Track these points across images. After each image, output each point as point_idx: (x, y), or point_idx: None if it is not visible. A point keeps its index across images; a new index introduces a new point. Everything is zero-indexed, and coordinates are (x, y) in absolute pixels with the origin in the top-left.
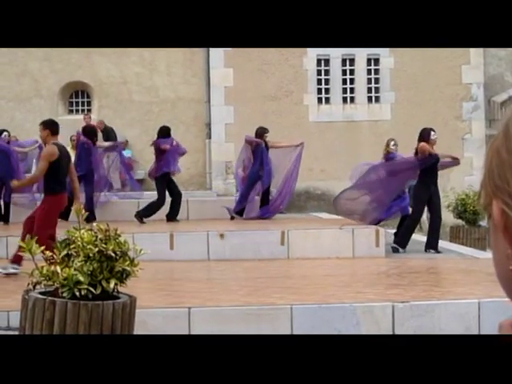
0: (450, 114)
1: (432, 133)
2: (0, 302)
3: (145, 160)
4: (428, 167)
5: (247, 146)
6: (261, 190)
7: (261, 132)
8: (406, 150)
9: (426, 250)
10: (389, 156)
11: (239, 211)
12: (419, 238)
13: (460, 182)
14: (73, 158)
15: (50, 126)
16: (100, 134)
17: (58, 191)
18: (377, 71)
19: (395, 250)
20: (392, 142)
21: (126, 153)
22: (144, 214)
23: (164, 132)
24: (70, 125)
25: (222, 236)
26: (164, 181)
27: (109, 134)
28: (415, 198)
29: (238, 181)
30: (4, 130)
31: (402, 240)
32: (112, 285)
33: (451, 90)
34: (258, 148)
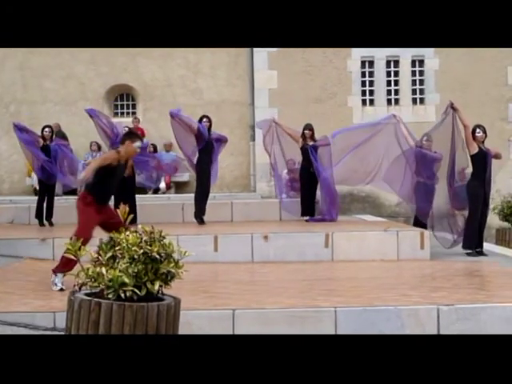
0: (495, 115)
1: (477, 130)
2: (46, 303)
3: None
4: (478, 164)
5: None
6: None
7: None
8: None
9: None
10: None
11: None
12: None
13: (506, 184)
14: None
15: None
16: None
17: None
18: (421, 73)
19: (470, 254)
20: (425, 138)
21: (170, 156)
22: (199, 213)
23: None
24: None
25: (266, 238)
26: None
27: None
28: (470, 196)
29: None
30: (46, 126)
31: (468, 242)
32: (157, 286)
33: (497, 92)
34: (303, 146)
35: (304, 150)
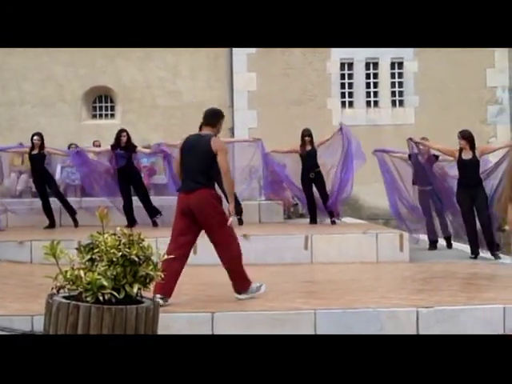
0: (474, 117)
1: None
2: (24, 306)
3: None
4: (459, 171)
5: None
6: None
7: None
8: None
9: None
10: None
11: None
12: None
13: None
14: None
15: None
16: None
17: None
18: (401, 75)
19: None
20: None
21: (149, 158)
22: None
23: None
24: (93, 130)
25: (245, 236)
26: None
27: None
28: (458, 203)
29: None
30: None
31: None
32: (135, 289)
33: (476, 94)
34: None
35: (306, 156)
